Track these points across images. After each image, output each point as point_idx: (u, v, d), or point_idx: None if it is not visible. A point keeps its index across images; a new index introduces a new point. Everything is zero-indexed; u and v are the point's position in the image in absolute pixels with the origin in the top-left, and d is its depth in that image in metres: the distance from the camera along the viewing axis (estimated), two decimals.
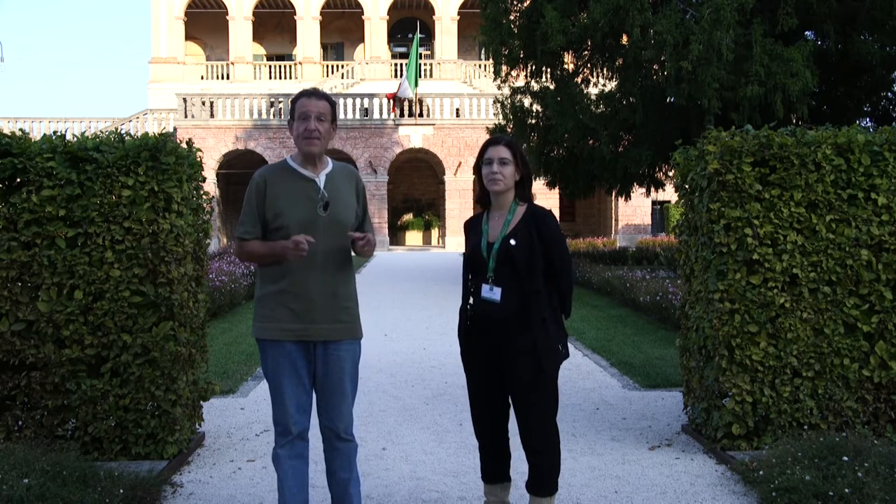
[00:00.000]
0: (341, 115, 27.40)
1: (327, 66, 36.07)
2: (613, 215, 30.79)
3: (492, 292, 3.23)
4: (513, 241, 3.21)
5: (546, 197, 25.16)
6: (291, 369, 3.16)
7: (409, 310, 11.43)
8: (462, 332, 3.38)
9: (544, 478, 3.30)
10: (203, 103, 27.90)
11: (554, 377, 3.27)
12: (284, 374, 3.16)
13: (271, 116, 28.20)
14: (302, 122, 3.13)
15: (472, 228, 3.41)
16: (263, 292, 3.20)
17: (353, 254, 3.24)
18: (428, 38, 36.31)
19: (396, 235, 31.99)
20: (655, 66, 12.66)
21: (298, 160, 3.21)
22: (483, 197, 3.42)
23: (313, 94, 3.19)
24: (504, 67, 14.59)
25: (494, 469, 3.44)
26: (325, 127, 3.16)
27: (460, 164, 28.57)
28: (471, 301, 3.33)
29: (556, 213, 25.08)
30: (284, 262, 3.11)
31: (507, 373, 3.26)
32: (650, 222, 30.54)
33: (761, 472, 3.80)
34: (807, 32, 12.70)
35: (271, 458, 3.26)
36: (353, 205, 3.27)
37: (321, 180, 3.19)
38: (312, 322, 3.14)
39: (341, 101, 27.54)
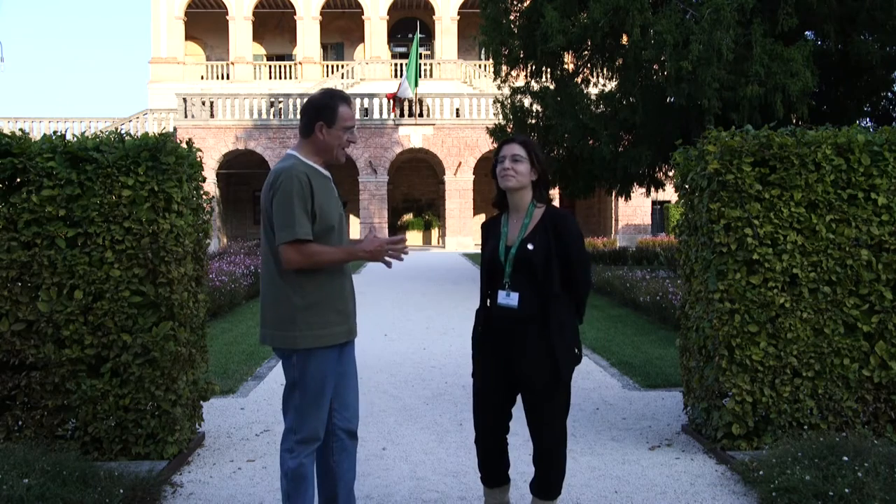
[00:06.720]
0: None
1: (327, 66, 36.08)
2: (613, 215, 30.80)
3: (509, 298, 3.14)
4: (530, 246, 3.12)
5: None
6: (334, 374, 3.13)
7: (409, 310, 11.43)
8: (476, 335, 3.33)
9: (552, 481, 3.27)
10: (203, 103, 27.92)
11: (568, 382, 3.20)
12: (331, 380, 3.11)
13: (271, 116, 28.20)
14: (348, 132, 3.08)
15: (490, 230, 3.32)
16: (310, 300, 3.00)
17: None
18: (428, 38, 36.31)
19: (396, 235, 31.97)
20: (655, 66, 12.64)
21: (314, 159, 3.07)
22: (499, 199, 3.31)
23: (346, 100, 3.12)
24: (504, 67, 14.59)
25: (494, 473, 3.39)
26: None
27: (460, 164, 28.57)
28: (488, 304, 3.27)
29: None
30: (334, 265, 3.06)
31: (521, 378, 3.18)
32: (650, 222, 30.56)
33: (761, 472, 3.80)
34: (807, 32, 12.68)
35: (293, 469, 3.07)
36: None
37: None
38: (349, 320, 3.15)
39: None
